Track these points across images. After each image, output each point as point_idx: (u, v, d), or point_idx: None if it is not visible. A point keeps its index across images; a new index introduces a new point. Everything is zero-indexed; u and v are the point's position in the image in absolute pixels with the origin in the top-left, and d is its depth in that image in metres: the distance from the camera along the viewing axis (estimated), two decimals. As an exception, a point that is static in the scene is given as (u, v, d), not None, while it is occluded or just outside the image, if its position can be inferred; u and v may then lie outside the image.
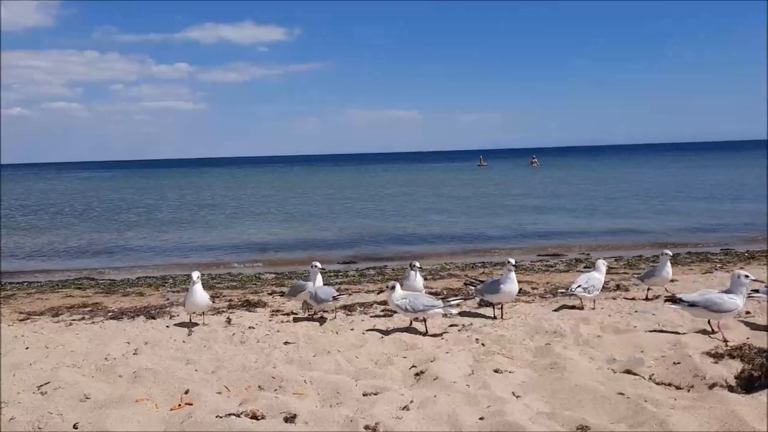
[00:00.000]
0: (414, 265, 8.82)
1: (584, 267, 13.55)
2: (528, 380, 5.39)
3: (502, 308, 8.26)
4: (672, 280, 9.85)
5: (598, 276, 8.43)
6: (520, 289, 10.80)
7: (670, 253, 9.14)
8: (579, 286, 8.25)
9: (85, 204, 40.01)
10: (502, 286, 7.87)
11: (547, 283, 11.43)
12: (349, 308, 9.17)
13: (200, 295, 7.89)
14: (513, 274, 7.87)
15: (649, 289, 9.45)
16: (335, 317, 8.40)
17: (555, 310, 8.52)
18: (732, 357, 5.44)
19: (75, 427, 4.46)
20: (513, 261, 7.96)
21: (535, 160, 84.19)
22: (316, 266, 8.34)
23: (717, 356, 5.53)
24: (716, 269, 12.25)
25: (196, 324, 8.14)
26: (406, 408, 4.75)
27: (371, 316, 8.48)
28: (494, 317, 8.12)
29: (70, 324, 8.63)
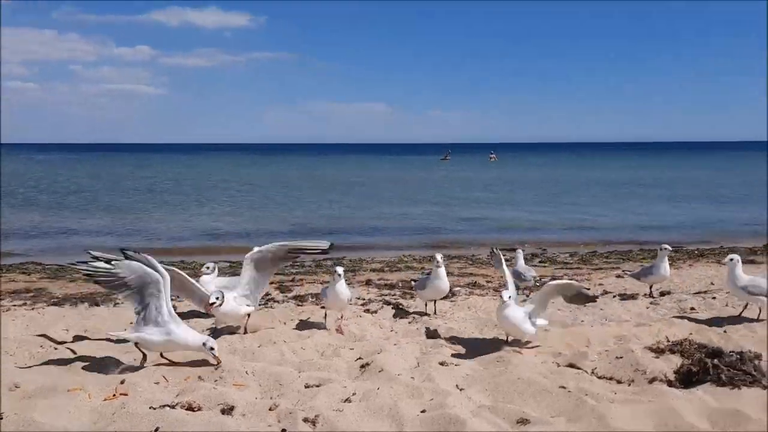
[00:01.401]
0: (336, 271, 7.00)
1: (539, 262, 13.69)
2: (473, 373, 5.37)
3: (435, 304, 8.07)
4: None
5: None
6: (475, 282, 10.90)
7: (670, 248, 8.77)
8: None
9: (37, 187, 38.84)
10: (428, 282, 7.61)
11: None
12: (300, 298, 9.06)
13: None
14: (441, 271, 7.45)
15: (651, 286, 9.01)
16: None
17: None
18: (672, 352, 5.52)
19: (0, 416, 4.27)
20: (440, 257, 7.51)
21: (494, 155, 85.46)
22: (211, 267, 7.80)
23: (658, 351, 5.61)
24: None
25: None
26: (347, 400, 4.68)
27: (322, 307, 8.37)
28: (429, 314, 7.95)
29: (8, 309, 8.32)
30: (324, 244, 6.87)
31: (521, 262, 9.06)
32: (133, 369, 5.39)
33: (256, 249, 6.78)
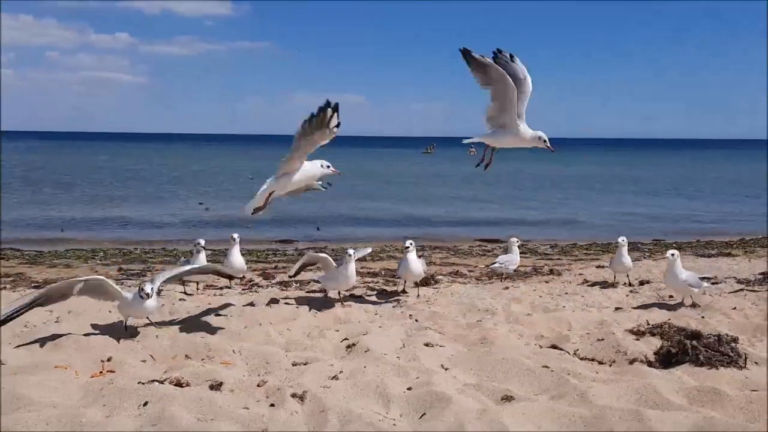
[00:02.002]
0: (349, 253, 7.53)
1: (521, 253, 13.83)
2: (457, 354, 5.45)
3: (418, 288, 8.44)
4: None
5: (513, 255, 9.56)
6: (457, 270, 11.00)
7: (625, 241, 8.94)
8: (496, 263, 9.51)
9: (10, 175, 38.21)
10: (401, 265, 8.11)
11: (485, 266, 11.61)
12: (284, 283, 9.09)
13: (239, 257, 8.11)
14: (411, 255, 7.88)
15: (616, 275, 9.23)
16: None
17: (488, 291, 8.67)
18: (653, 335, 5.65)
19: (-14, 392, 4.25)
20: (411, 243, 7.94)
21: (473, 149, 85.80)
22: (199, 244, 8.05)
23: (639, 334, 5.74)
24: (644, 257, 12.67)
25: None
26: (335, 378, 4.73)
27: (307, 292, 8.41)
28: (410, 295, 8.28)
29: (-11, 293, 8.23)
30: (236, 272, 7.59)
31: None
32: (119, 348, 5.39)
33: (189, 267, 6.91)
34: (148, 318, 6.05)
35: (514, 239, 9.75)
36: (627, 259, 8.84)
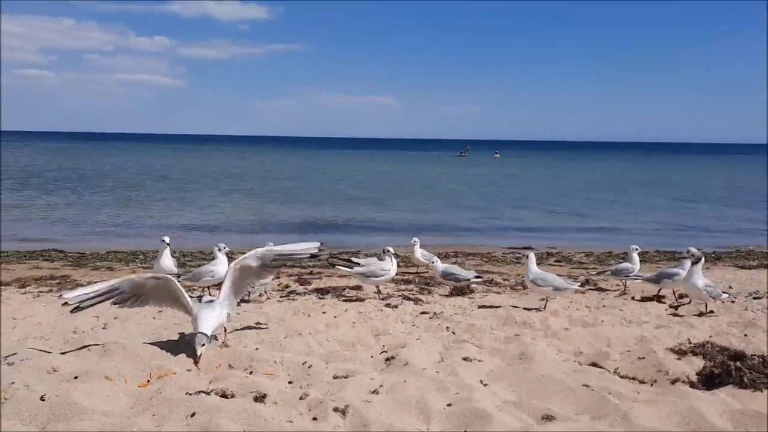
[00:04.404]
0: (387, 251, 8.85)
1: (555, 261, 13.76)
2: (496, 369, 5.47)
3: (378, 289, 9.07)
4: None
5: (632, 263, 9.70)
6: (491, 279, 10.99)
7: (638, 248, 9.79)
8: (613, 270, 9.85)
9: (53, 176, 39.23)
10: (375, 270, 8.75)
11: (518, 275, 11.57)
12: (321, 291, 9.20)
13: (168, 259, 8.00)
14: (389, 259, 8.61)
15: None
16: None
17: (524, 302, 8.65)
18: (695, 354, 5.59)
19: (42, 398, 4.41)
20: (391, 249, 8.75)
21: (498, 154, 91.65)
22: (221, 248, 8.34)
23: (680, 353, 5.68)
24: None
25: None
26: (375, 392, 4.79)
27: (343, 300, 8.51)
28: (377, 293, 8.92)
29: (38, 296, 8.52)
30: (313, 246, 6.32)
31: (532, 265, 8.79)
32: (165, 356, 5.53)
33: (242, 257, 6.08)
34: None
35: (634, 246, 9.89)
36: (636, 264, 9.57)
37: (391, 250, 8.75)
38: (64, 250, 14.15)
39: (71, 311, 5.52)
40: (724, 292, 7.99)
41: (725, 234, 20.39)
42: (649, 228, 22.00)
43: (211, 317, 5.50)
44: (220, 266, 8.05)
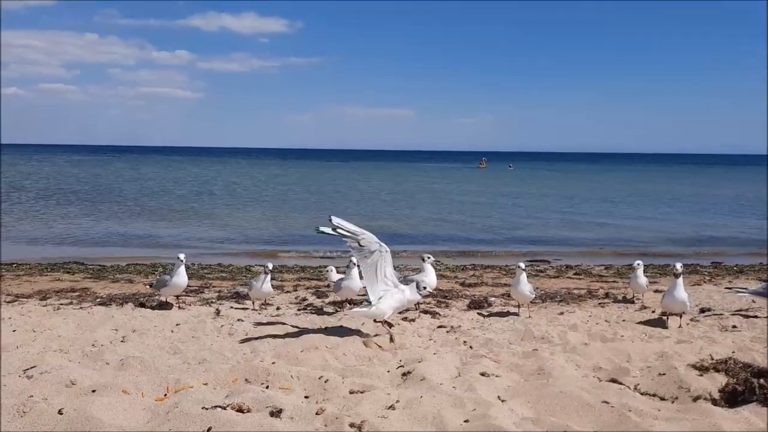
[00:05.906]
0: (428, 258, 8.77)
1: (574, 273, 13.60)
2: (514, 385, 5.41)
3: (345, 302, 8.95)
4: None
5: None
6: (509, 293, 10.89)
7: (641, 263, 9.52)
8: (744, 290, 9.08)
9: (75, 188, 39.76)
10: (343, 283, 8.62)
11: (537, 288, 11.47)
12: (338, 304, 9.18)
13: (183, 277, 8.27)
14: (353, 272, 8.40)
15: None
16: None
17: (543, 316, 8.57)
18: (717, 371, 5.48)
19: (60, 412, 4.44)
20: (354, 259, 8.22)
21: (512, 166, 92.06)
22: (267, 267, 8.54)
23: (702, 369, 5.57)
24: (705, 282, 12.30)
25: (181, 308, 8.21)
26: (392, 407, 4.75)
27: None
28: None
29: (58, 308, 8.60)
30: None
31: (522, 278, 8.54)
32: (182, 370, 5.55)
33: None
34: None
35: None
36: (643, 279, 9.40)
37: (431, 258, 8.67)
38: (84, 263, 14.29)
39: (317, 231, 6.90)
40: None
41: (748, 246, 20.05)
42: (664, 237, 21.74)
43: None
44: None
